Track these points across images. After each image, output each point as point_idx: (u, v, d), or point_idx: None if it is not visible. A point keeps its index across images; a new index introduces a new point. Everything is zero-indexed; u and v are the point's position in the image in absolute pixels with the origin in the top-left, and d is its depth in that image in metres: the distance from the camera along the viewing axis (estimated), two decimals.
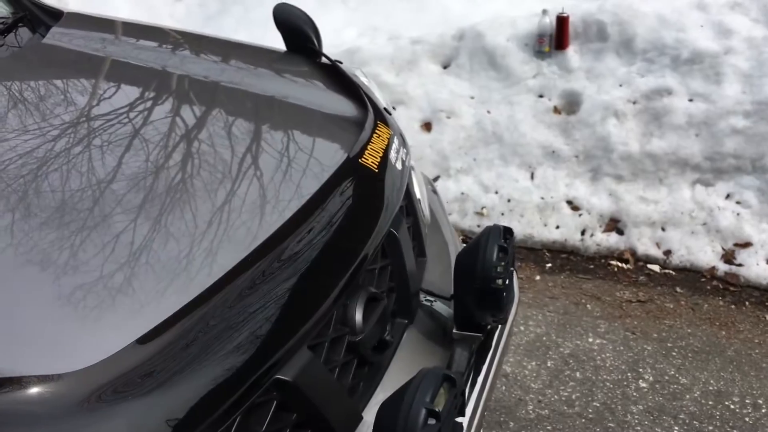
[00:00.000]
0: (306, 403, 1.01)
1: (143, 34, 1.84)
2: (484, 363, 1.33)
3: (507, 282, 1.28)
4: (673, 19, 3.58)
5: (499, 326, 1.39)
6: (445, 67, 4.00)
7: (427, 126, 3.87)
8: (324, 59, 1.78)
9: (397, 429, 0.90)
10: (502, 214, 3.55)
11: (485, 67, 3.86)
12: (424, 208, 1.67)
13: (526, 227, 3.50)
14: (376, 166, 1.36)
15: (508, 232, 1.33)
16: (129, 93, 1.43)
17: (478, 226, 3.60)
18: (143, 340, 0.80)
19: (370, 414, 1.10)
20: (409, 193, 1.54)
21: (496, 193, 3.61)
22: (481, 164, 3.68)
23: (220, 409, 0.85)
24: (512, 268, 1.36)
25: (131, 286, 0.88)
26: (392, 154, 1.45)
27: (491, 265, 1.25)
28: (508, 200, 3.57)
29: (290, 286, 1.04)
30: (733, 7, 3.52)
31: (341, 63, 1.79)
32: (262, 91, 1.56)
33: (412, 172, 1.64)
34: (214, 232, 1.03)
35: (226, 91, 1.56)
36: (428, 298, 1.45)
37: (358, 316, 1.17)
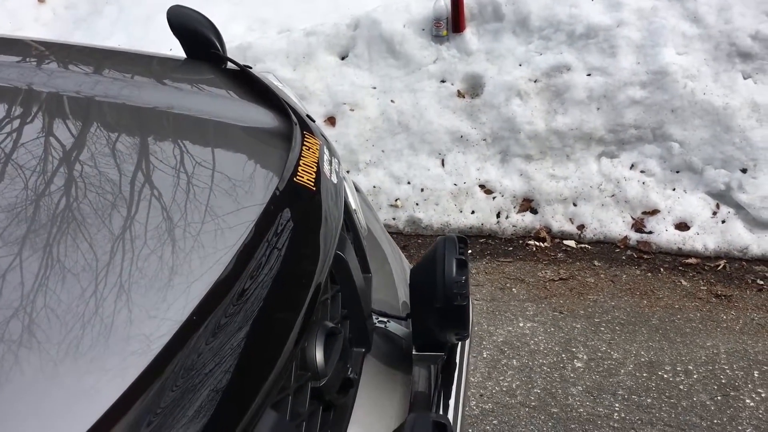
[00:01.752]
0: None
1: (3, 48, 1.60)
2: (451, 383, 1.24)
3: (468, 295, 1.19)
4: None
5: (461, 342, 1.30)
6: (342, 58, 3.87)
7: (331, 120, 3.74)
8: (231, 65, 1.62)
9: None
10: (417, 204, 3.49)
11: (384, 56, 3.76)
12: (361, 218, 1.56)
13: (442, 215, 3.45)
14: (312, 184, 1.23)
15: (462, 242, 1.23)
16: None
17: (394, 218, 3.52)
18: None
19: None
20: (346, 206, 1.42)
21: (409, 183, 3.54)
22: (390, 155, 3.59)
23: None
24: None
25: (65, 376, 0.72)
26: (326, 167, 1.33)
27: (452, 282, 1.16)
28: (422, 189, 3.51)
29: (245, 338, 0.90)
30: None
31: (251, 68, 1.63)
32: (169, 108, 1.39)
33: (345, 181, 1.52)
34: (147, 290, 0.86)
35: (126, 110, 1.37)
36: (381, 319, 1.33)
37: (320, 357, 1.04)
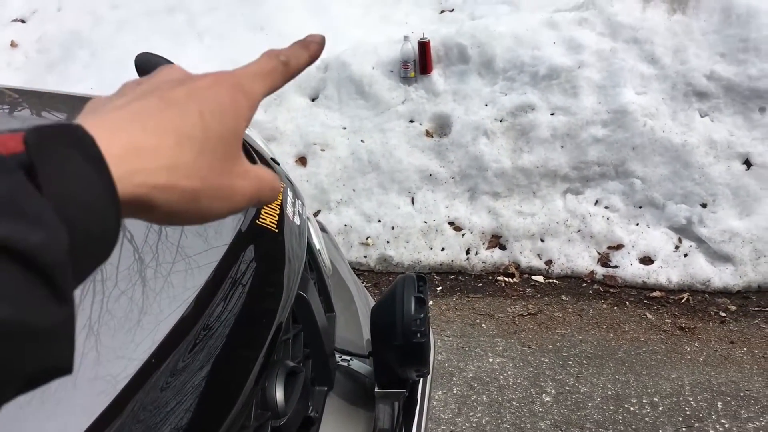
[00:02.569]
0: None
1: None
2: (413, 419, 1.26)
3: (427, 333, 1.23)
4: (528, 38, 3.73)
5: (422, 378, 1.33)
6: (313, 99, 3.94)
7: (302, 160, 3.78)
8: None
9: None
10: (388, 242, 3.53)
11: (354, 97, 3.84)
12: (325, 258, 1.59)
13: (413, 253, 3.49)
14: (275, 226, 1.27)
15: (421, 280, 1.27)
16: None
17: (365, 256, 3.55)
18: None
19: None
20: (309, 247, 1.45)
21: (380, 221, 3.58)
22: (360, 194, 3.64)
23: None
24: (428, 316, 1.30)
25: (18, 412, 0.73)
26: (289, 209, 1.36)
27: (410, 320, 1.19)
28: (392, 227, 3.55)
29: (206, 377, 0.93)
30: (581, 22, 3.72)
31: None
32: None
33: (309, 222, 1.56)
34: (116, 330, 0.89)
35: None
36: (344, 357, 1.36)
37: (280, 396, 1.06)
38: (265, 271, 1.15)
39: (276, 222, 1.27)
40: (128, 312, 0.93)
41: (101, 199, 0.32)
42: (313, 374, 1.25)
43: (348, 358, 1.36)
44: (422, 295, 1.24)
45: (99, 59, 4.54)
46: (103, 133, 0.35)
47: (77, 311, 0.31)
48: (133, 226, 1.15)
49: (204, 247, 1.12)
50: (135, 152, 0.36)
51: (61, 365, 0.30)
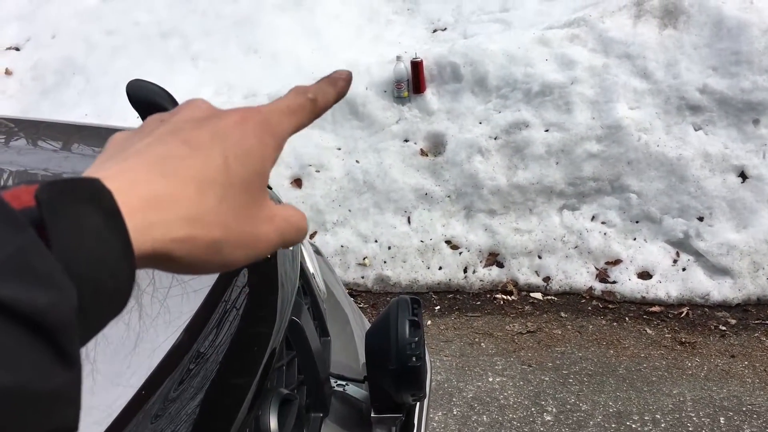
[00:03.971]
0: None
1: None
2: None
3: (422, 356, 1.21)
4: (520, 55, 3.75)
5: (418, 402, 1.31)
6: None
7: (298, 182, 3.78)
8: None
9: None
10: (385, 262, 3.52)
11: (348, 117, 3.84)
12: (319, 282, 1.57)
13: (410, 272, 3.48)
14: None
15: (415, 302, 1.26)
16: None
17: (362, 277, 3.53)
18: None
19: None
20: (303, 271, 1.44)
21: (376, 241, 3.57)
22: (356, 215, 3.63)
23: None
24: (424, 339, 1.29)
25: None
26: None
27: (405, 344, 1.18)
28: (389, 247, 3.54)
29: (199, 405, 0.91)
30: (572, 39, 3.73)
31: None
32: None
33: (302, 246, 1.55)
34: (112, 357, 0.88)
35: None
36: (339, 382, 1.34)
37: (273, 425, 1.05)
38: (258, 296, 1.14)
39: None
40: (125, 339, 0.92)
41: (115, 254, 0.31)
42: (307, 401, 1.23)
43: (343, 383, 1.35)
44: (416, 318, 1.22)
45: (93, 85, 4.55)
46: (122, 185, 0.34)
47: (83, 370, 0.31)
48: None
49: (188, 282, 1.11)
50: (154, 203, 0.34)
51: (66, 426, 0.29)
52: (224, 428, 0.93)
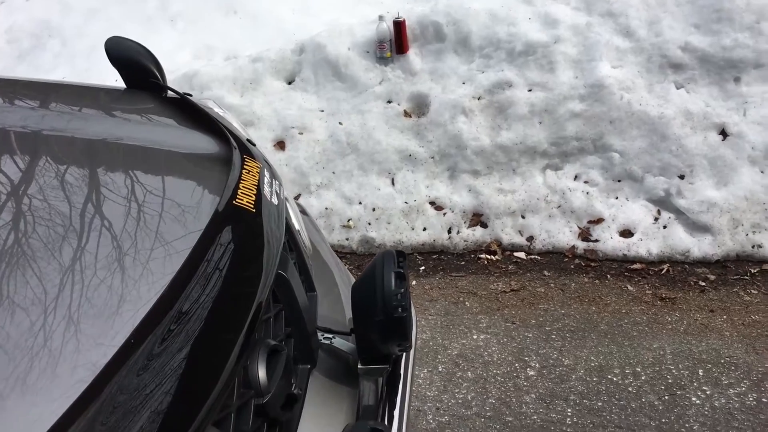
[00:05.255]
0: None
1: None
2: (396, 394, 1.26)
3: (407, 307, 1.23)
4: (503, 14, 3.72)
5: (404, 353, 1.33)
6: (289, 83, 3.91)
7: (281, 144, 3.76)
8: (171, 93, 1.64)
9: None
10: (369, 223, 3.53)
11: (330, 79, 3.81)
12: (305, 238, 1.58)
13: (394, 233, 3.49)
14: (252, 206, 1.25)
15: (401, 255, 1.27)
16: None
17: (347, 239, 3.55)
18: None
19: None
20: (288, 227, 1.44)
21: (360, 203, 3.57)
22: (340, 177, 3.63)
23: None
24: (409, 291, 1.30)
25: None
26: (266, 189, 1.35)
27: (391, 295, 1.19)
28: (373, 209, 3.55)
29: (185, 358, 0.92)
30: None
31: (191, 96, 1.65)
32: (110, 138, 1.40)
33: (287, 203, 1.55)
34: (96, 318, 0.88)
35: (69, 142, 1.38)
36: (326, 335, 1.36)
37: (262, 374, 1.06)
38: (244, 250, 1.15)
39: (253, 202, 1.26)
40: (107, 299, 0.92)
41: None
42: (295, 353, 1.25)
43: (330, 336, 1.36)
44: (402, 270, 1.23)
45: (70, 48, 4.46)
46: None
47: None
48: (111, 213, 1.14)
49: (181, 231, 1.11)
50: None
51: None
52: (213, 379, 0.95)
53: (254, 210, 1.25)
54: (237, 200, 1.22)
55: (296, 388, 1.16)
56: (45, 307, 0.88)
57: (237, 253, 1.13)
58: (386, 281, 1.20)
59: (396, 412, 1.22)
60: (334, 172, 3.65)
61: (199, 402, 0.89)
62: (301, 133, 3.73)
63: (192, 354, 0.92)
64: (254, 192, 1.29)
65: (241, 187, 1.28)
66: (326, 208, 3.58)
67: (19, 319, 0.84)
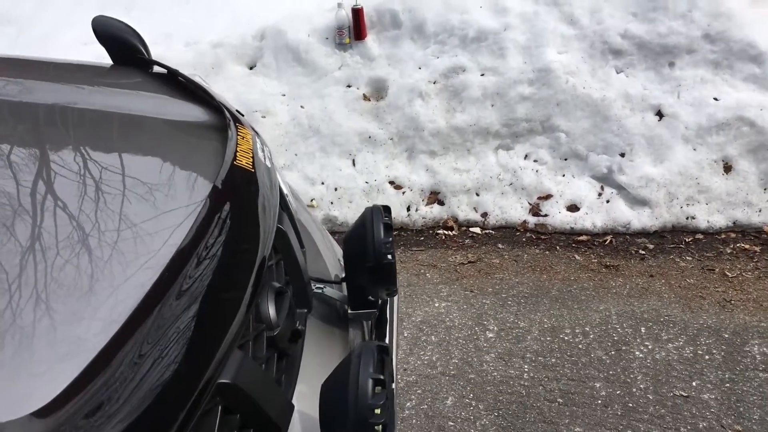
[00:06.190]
0: (247, 401, 1.03)
1: None
2: (384, 336, 1.42)
3: (394, 255, 1.38)
4: (456, 2, 3.90)
5: (389, 298, 1.49)
6: (251, 68, 4.00)
7: None
8: (159, 68, 1.74)
9: (348, 403, 0.95)
10: (332, 203, 3.67)
11: (291, 64, 3.93)
12: (292, 201, 1.72)
13: (356, 212, 3.64)
14: (251, 167, 1.39)
15: (386, 209, 1.43)
16: None
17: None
18: (81, 380, 0.77)
19: (298, 403, 1.15)
20: (280, 189, 1.58)
21: (323, 183, 3.71)
22: (303, 158, 3.75)
23: (174, 426, 0.85)
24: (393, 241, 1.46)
25: (50, 325, 0.84)
26: (259, 153, 1.48)
27: (381, 243, 1.34)
28: (335, 189, 3.69)
29: (208, 297, 1.05)
30: None
31: (178, 70, 1.76)
32: (109, 109, 1.51)
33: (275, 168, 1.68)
34: (125, 267, 1.00)
35: (66, 114, 1.48)
36: (318, 285, 1.50)
37: (272, 311, 1.20)
38: (249, 205, 1.28)
39: (251, 163, 1.39)
40: (135, 245, 1.04)
41: None
42: (294, 298, 1.39)
43: (321, 285, 1.51)
44: (389, 222, 1.39)
45: (26, 35, 4.45)
46: None
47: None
48: (128, 171, 1.25)
49: (194, 186, 1.24)
50: None
51: None
52: (232, 313, 1.08)
53: (253, 170, 1.38)
54: (237, 161, 1.36)
55: (300, 325, 1.31)
56: (88, 250, 1.00)
57: (244, 206, 1.27)
58: (376, 231, 1.35)
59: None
60: (296, 154, 3.77)
61: (224, 331, 1.03)
62: (264, 117, 3.84)
63: (214, 293, 1.06)
64: (250, 155, 1.43)
65: (239, 150, 1.41)
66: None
67: (59, 262, 0.95)
